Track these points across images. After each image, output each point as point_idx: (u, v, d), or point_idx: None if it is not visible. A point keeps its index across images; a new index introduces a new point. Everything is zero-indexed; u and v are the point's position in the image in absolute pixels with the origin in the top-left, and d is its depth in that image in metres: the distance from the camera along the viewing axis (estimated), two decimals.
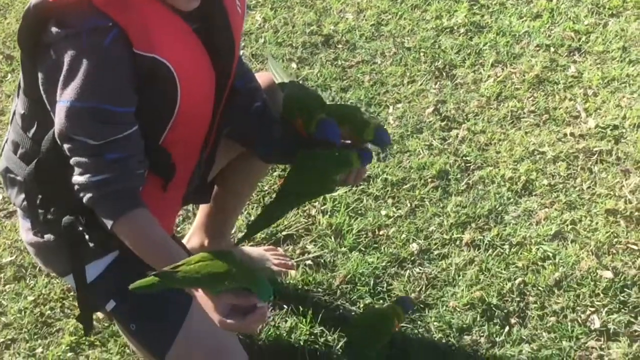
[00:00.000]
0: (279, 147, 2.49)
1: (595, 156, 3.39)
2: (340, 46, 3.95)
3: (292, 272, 2.92)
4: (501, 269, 2.94)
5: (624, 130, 3.50)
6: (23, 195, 2.36)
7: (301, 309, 2.81)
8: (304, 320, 2.77)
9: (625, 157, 3.38)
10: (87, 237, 2.30)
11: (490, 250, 3.01)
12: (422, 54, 3.90)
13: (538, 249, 3.01)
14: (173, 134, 2.28)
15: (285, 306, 2.81)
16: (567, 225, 3.11)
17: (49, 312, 2.80)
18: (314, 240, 3.05)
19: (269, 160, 2.63)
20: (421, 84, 3.73)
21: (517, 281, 2.91)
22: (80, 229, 2.29)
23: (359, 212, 3.15)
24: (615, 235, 3.07)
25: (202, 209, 2.85)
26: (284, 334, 2.73)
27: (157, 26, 2.16)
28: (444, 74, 3.80)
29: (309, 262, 2.97)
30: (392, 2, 4.22)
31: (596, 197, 3.22)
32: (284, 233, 3.06)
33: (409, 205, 3.18)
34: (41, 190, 2.31)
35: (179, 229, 3.06)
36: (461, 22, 4.08)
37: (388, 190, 3.23)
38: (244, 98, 2.49)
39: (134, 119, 2.17)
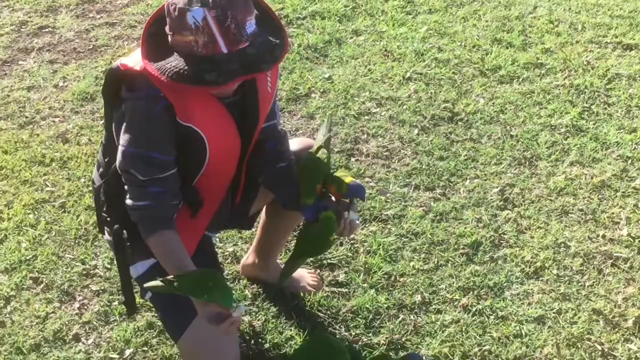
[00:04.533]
0: (295, 200, 2.35)
1: (612, 260, 2.89)
2: (460, 123, 3.63)
3: (318, 293, 2.73)
4: (477, 335, 2.60)
5: None
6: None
7: (304, 324, 2.63)
8: (302, 333, 2.59)
9: (638, 268, 2.86)
10: (127, 244, 2.30)
11: (477, 317, 2.66)
12: (520, 143, 3.50)
13: (516, 326, 2.63)
14: (203, 179, 2.24)
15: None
16: (552, 313, 2.68)
17: None
18: (347, 272, 2.83)
19: (286, 208, 2.47)
20: (503, 167, 3.35)
21: (484, 348, 2.56)
22: (125, 237, 2.29)
23: (394, 258, 2.89)
24: (589, 332, 2.61)
25: (257, 235, 2.73)
26: (283, 341, 2.57)
27: (196, 104, 2.11)
28: (527, 162, 3.39)
29: (334, 289, 2.77)
30: (521, 96, 3.81)
31: (592, 295, 2.75)
32: (328, 261, 2.87)
33: (435, 262, 2.87)
34: (105, 201, 2.33)
35: (246, 246, 2.94)
36: (566, 123, 3.61)
37: (426, 247, 2.94)
38: (270, 157, 2.36)
39: (174, 165, 2.15)
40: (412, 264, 2.86)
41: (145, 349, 2.51)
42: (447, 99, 3.79)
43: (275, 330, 2.59)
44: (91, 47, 4.22)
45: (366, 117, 3.66)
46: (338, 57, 4.11)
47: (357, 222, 2.30)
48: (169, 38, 1.99)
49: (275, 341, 2.55)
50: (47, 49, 4.19)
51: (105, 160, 2.32)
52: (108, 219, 2.33)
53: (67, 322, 2.61)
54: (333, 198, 2.30)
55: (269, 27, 2.06)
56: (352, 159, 3.38)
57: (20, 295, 2.71)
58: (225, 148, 2.21)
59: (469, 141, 3.51)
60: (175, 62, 1.98)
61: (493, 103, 3.77)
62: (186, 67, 1.97)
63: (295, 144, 2.51)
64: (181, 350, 2.38)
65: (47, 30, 4.36)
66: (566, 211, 3.12)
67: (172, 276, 2.09)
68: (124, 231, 2.28)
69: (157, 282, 2.10)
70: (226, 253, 2.89)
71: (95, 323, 2.61)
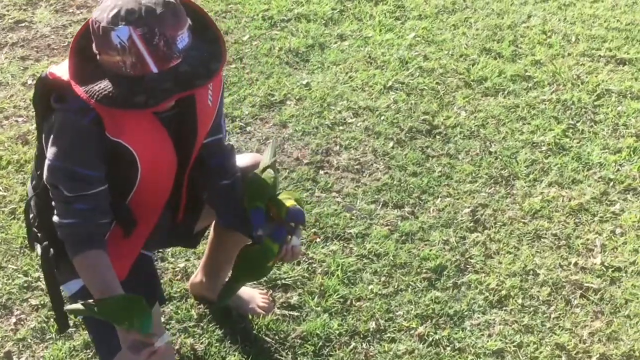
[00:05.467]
0: (236, 221, 2.23)
1: (581, 291, 2.75)
2: (438, 137, 3.49)
3: (268, 316, 2.60)
4: None
5: (623, 275, 2.82)
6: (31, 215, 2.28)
7: (249, 349, 2.50)
8: (245, 359, 2.47)
9: (609, 300, 2.72)
10: (53, 262, 2.20)
11: (433, 347, 2.54)
12: (498, 160, 3.35)
13: (473, 359, 2.49)
14: (137, 197, 2.12)
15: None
16: (512, 346, 2.55)
17: None
18: (301, 294, 2.70)
19: (227, 227, 2.36)
20: (478, 185, 3.21)
21: None
22: (51, 255, 2.18)
23: (352, 281, 2.76)
24: None
25: (205, 253, 2.61)
26: None
27: (127, 118, 1.99)
28: (504, 181, 3.24)
29: (285, 312, 2.64)
30: (505, 110, 3.66)
31: (557, 328, 2.62)
32: (283, 281, 2.74)
33: (395, 287, 2.75)
34: (37, 216, 2.22)
35: (198, 262, 2.82)
36: (548, 141, 3.46)
37: (387, 269, 2.81)
38: (214, 174, 2.24)
39: (103, 181, 2.04)
40: (370, 287, 2.73)
41: None
42: (428, 110, 3.64)
43: (218, 355, 2.47)
44: (66, 44, 4.10)
45: (341, 128, 3.52)
46: (320, 62, 3.98)
47: (300, 247, 2.20)
48: (97, 57, 1.88)
49: None
50: (21, 45, 4.08)
51: (37, 173, 2.21)
52: (38, 234, 2.22)
53: (0, 339, 2.49)
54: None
55: (205, 36, 1.94)
56: (321, 172, 3.25)
57: None
58: (159, 165, 2.10)
59: (445, 156, 3.37)
60: (103, 83, 1.88)
61: (475, 117, 3.62)
62: (112, 89, 1.86)
63: (244, 159, 2.39)
64: None
65: (23, 24, 4.25)
66: (539, 235, 2.98)
67: (92, 300, 1.99)
68: (51, 249, 2.17)
69: (77, 305, 2.01)
70: (177, 269, 2.77)
71: (30, 340, 2.50)
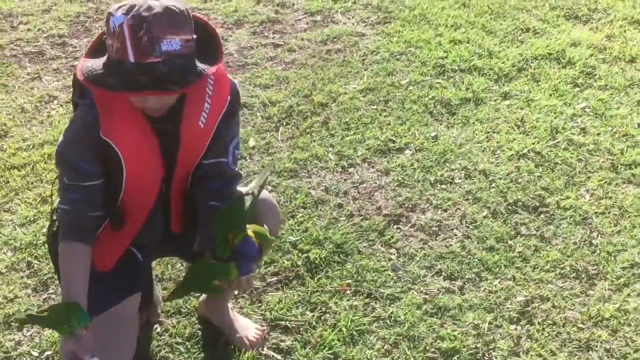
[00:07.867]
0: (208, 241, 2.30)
1: None
2: (542, 216, 3.19)
3: (251, 352, 2.61)
4: None
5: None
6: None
7: None
8: None
9: None
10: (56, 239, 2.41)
11: None
12: (594, 254, 2.99)
13: None
14: (125, 198, 2.30)
15: None
16: None
17: None
18: (296, 340, 2.66)
19: (199, 246, 2.41)
20: (552, 276, 2.89)
21: None
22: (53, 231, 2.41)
23: (355, 341, 2.64)
24: None
25: None
26: None
27: (120, 118, 2.17)
28: (586, 279, 2.88)
29: (270, 353, 2.62)
30: None
31: None
32: (287, 323, 2.71)
33: (393, 357, 2.59)
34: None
35: None
36: None
37: (394, 338, 2.65)
38: (208, 194, 2.32)
39: (98, 176, 2.24)
40: (369, 352, 2.60)
41: None
42: (548, 186, 3.35)
43: None
44: (242, 63, 4.41)
45: (442, 186, 3.37)
46: (465, 117, 3.84)
47: (252, 280, 2.21)
48: None
49: None
50: None
51: None
52: (58, 211, 2.45)
53: (22, 310, 2.77)
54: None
55: (208, 54, 2.05)
56: (394, 226, 3.15)
57: (6, 275, 2.94)
58: (144, 169, 2.21)
59: (536, 238, 3.08)
60: (96, 62, 2.06)
61: (598, 203, 3.25)
62: (100, 68, 2.03)
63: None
64: None
65: None
66: (589, 346, 2.61)
67: (36, 312, 2.17)
68: (56, 226, 2.39)
69: (20, 315, 2.19)
70: None
71: None
